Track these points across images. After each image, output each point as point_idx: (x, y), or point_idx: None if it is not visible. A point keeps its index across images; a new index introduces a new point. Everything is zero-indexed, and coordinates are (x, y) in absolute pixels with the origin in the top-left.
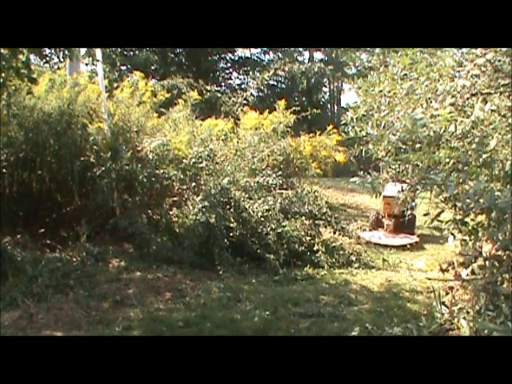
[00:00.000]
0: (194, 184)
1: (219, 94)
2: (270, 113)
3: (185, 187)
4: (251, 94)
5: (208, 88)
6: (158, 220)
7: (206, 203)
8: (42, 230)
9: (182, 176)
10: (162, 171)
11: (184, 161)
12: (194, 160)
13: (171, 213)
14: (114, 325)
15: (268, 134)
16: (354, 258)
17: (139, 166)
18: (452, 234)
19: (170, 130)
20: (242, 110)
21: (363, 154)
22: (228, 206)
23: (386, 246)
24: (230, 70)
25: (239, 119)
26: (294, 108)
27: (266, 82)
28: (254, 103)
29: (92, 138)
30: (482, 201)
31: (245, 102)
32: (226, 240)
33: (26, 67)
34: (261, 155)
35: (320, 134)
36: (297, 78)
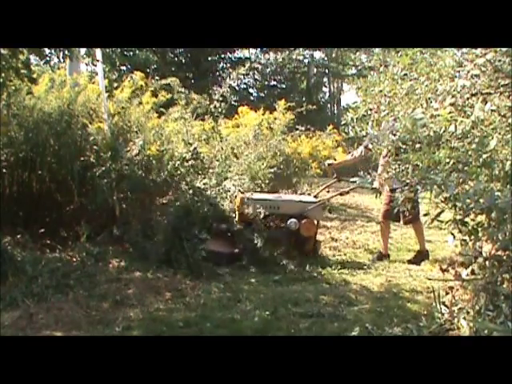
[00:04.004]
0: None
1: (203, 100)
2: (271, 113)
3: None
4: (227, 90)
5: (194, 96)
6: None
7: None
8: (42, 230)
9: (174, 172)
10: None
11: (170, 162)
12: (178, 162)
13: None
14: (114, 325)
15: (265, 134)
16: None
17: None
18: (452, 234)
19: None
20: (220, 107)
21: (363, 154)
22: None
23: None
24: (230, 70)
25: (216, 119)
26: (294, 108)
27: (266, 83)
28: (254, 103)
29: (92, 138)
30: (481, 201)
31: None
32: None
33: (26, 67)
34: (255, 154)
35: (320, 135)
36: (297, 78)
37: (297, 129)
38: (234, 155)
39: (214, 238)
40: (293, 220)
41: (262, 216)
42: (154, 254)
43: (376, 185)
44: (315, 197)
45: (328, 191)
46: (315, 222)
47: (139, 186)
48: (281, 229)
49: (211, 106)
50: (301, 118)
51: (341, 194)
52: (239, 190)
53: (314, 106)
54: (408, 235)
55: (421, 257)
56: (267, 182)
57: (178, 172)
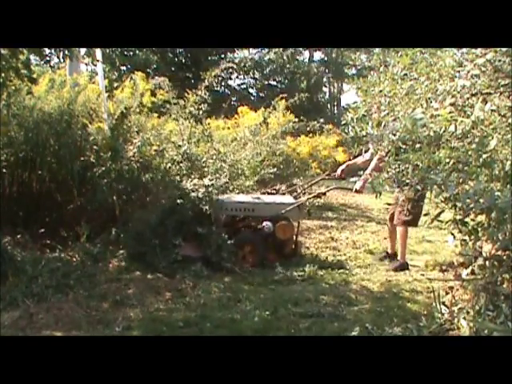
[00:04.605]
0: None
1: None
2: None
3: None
4: (204, 92)
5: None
6: None
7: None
8: (42, 230)
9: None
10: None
11: (162, 165)
12: (169, 164)
13: None
14: (114, 325)
15: (262, 131)
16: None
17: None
18: (452, 234)
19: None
20: (200, 109)
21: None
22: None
23: None
24: (230, 69)
25: (200, 120)
26: (287, 99)
27: (266, 82)
28: (254, 103)
29: (92, 138)
30: (481, 201)
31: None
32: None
33: (26, 67)
34: (250, 152)
35: (320, 134)
36: (297, 78)
37: (299, 135)
38: (232, 153)
39: (188, 241)
40: (267, 223)
41: (224, 219)
42: (127, 253)
43: (357, 186)
44: (295, 198)
45: (305, 193)
46: (293, 224)
47: (136, 186)
48: (257, 231)
49: (191, 108)
50: (300, 118)
51: (317, 196)
52: (216, 192)
53: (307, 94)
54: (408, 235)
55: (401, 266)
56: (266, 181)
57: (170, 173)
